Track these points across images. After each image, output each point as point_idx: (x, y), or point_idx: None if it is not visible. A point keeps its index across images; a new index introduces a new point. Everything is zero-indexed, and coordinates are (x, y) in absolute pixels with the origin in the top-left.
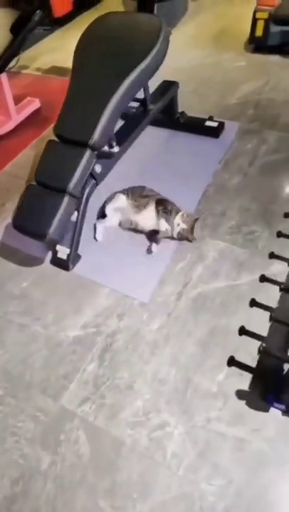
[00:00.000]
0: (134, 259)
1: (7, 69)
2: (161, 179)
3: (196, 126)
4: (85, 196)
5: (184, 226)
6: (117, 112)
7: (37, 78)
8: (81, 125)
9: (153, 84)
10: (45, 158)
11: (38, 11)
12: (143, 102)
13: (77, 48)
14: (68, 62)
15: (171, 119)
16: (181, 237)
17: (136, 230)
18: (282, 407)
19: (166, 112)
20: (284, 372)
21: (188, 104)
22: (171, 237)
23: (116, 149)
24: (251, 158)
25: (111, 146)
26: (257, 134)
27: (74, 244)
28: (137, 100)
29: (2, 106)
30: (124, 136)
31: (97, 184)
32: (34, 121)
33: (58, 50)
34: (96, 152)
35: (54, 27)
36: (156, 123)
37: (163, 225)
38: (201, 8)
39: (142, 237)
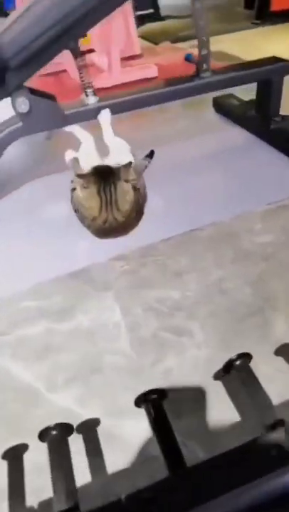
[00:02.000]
0: None
1: None
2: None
3: (287, 141)
4: None
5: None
6: (47, 16)
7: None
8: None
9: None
10: None
11: None
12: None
13: None
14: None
15: (260, 119)
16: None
17: None
18: None
19: (257, 106)
20: None
21: None
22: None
23: (92, 100)
24: None
25: (86, 94)
26: None
27: None
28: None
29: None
30: (123, 94)
31: (24, 131)
32: None
33: (241, 43)
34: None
35: (265, 22)
36: (240, 120)
37: None
38: None
39: None
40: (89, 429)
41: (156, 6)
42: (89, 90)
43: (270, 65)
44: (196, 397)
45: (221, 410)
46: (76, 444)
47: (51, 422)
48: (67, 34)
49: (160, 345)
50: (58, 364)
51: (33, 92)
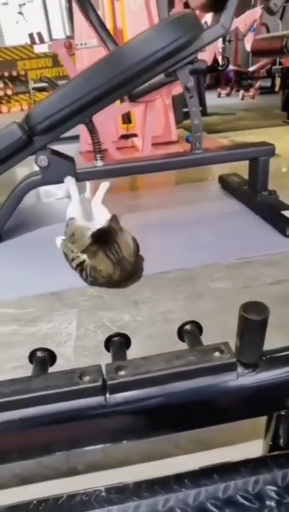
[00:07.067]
0: None
1: None
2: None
3: (269, 211)
4: None
5: None
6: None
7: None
8: None
9: None
10: None
11: None
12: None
13: None
14: None
15: (250, 192)
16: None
17: None
18: None
19: (249, 182)
20: None
21: None
22: None
23: (100, 163)
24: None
25: (96, 159)
26: None
27: None
28: None
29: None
30: (127, 161)
31: (43, 182)
32: None
33: (268, 135)
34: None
35: None
36: (236, 193)
37: None
38: None
39: None
40: None
41: (203, 105)
42: (98, 155)
43: (258, 147)
44: None
45: None
46: None
47: None
48: (81, 113)
49: (98, 353)
50: (11, 356)
51: (54, 152)
